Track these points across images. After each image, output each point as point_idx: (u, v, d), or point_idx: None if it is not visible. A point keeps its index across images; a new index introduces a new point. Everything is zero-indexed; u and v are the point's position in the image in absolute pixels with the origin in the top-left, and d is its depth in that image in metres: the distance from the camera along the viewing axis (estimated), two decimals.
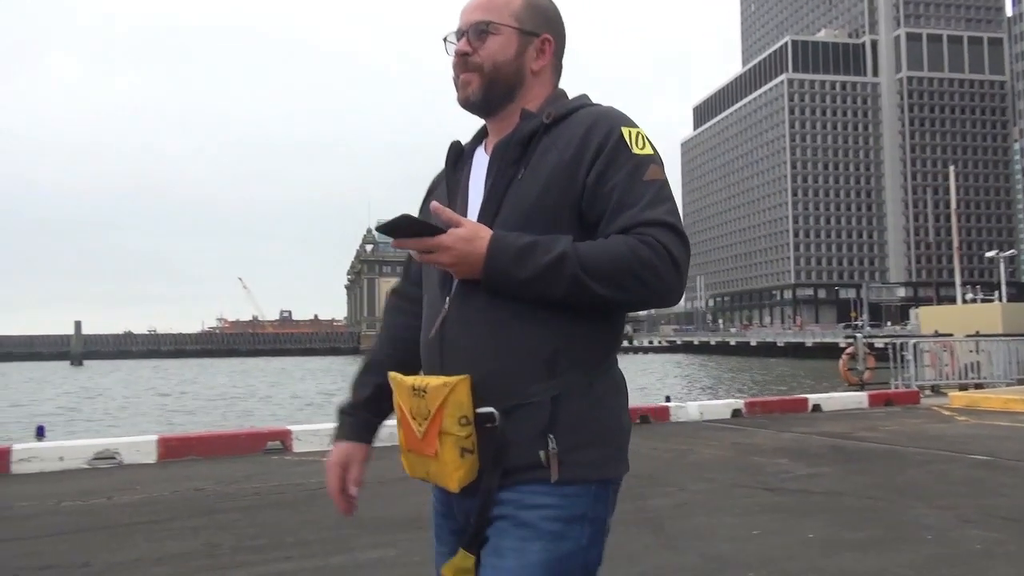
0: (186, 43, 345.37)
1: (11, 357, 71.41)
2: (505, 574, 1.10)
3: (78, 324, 73.05)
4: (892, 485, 5.09)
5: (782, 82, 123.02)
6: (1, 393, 30.16)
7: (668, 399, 9.87)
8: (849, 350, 13.91)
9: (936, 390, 11.80)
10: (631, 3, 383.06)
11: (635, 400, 15.05)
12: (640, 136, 1.19)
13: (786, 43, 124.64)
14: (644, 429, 8.01)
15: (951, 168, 46.44)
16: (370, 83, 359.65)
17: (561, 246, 1.10)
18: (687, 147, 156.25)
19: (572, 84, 1.31)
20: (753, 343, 61.33)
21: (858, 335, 16.16)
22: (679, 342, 77.32)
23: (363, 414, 1.33)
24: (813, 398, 9.77)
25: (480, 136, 1.33)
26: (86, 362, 65.27)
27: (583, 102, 1.26)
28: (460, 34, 1.26)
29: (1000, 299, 35.85)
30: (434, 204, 1.15)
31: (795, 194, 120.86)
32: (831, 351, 35.81)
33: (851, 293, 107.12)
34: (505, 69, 1.24)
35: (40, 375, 45.57)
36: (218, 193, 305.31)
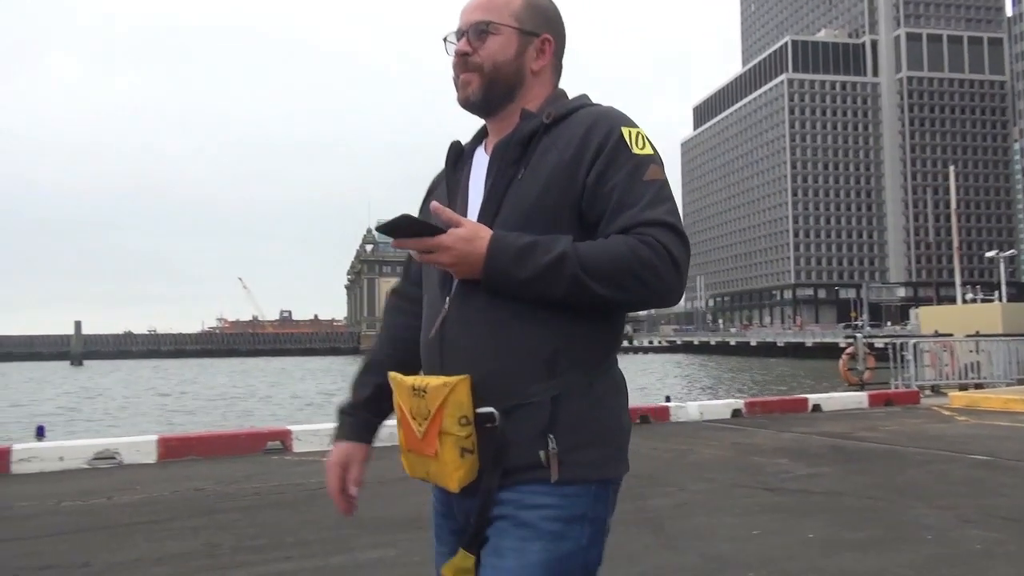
0: (186, 43, 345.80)
1: (11, 357, 71.41)
2: (505, 574, 1.10)
3: (78, 324, 73.06)
4: (892, 485, 5.09)
5: (782, 82, 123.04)
6: (1, 393, 30.16)
7: (668, 399, 9.87)
8: (849, 350, 13.92)
9: (936, 390, 11.80)
10: (631, 3, 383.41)
11: (635, 400, 15.05)
12: (640, 136, 1.19)
13: (786, 43, 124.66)
14: (644, 429, 8.01)
15: (951, 168, 46.45)
16: (370, 83, 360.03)
17: (561, 246, 1.10)
18: (687, 147, 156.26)
19: (573, 84, 1.31)
20: (753, 343, 61.34)
21: (858, 335, 16.17)
22: (679, 342, 77.33)
23: (363, 414, 1.33)
24: (813, 398, 9.77)
25: (480, 136, 1.33)
26: (86, 362, 65.26)
27: (583, 102, 1.26)
28: (460, 34, 1.26)
29: (1000, 299, 35.85)
30: (434, 204, 1.15)
31: (795, 194, 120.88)
32: (831, 351, 35.81)
33: (851, 293, 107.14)
34: (505, 69, 1.24)
35: (40, 375, 45.58)
36: (218, 193, 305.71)
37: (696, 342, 72.89)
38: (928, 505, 4.46)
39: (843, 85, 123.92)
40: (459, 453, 1.11)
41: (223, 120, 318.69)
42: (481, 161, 1.26)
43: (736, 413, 8.95)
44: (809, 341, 53.53)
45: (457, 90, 1.26)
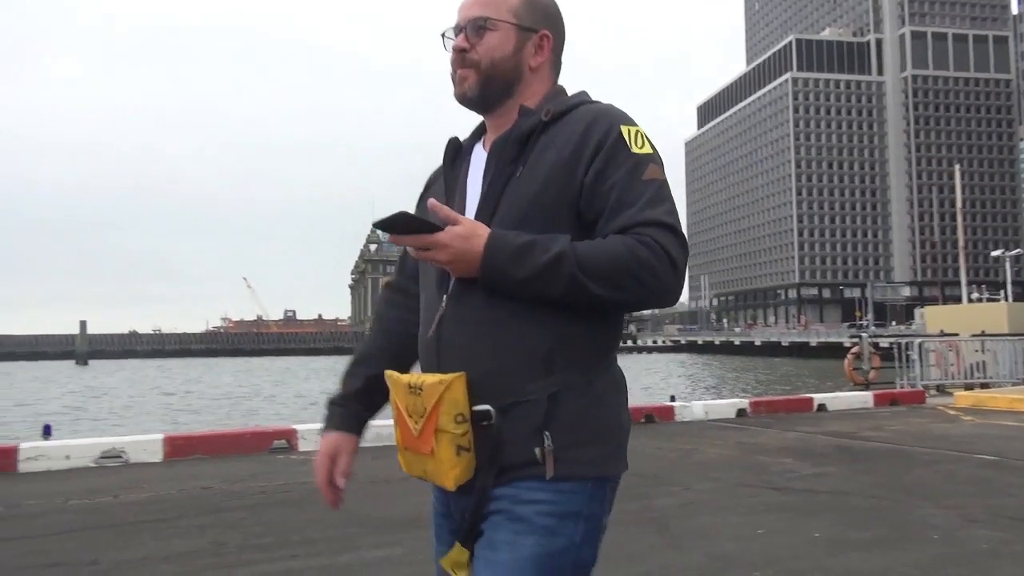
0: (186, 43, 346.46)
1: (16, 357, 71.61)
2: (497, 567, 1.10)
3: (83, 324, 73.29)
4: (898, 485, 5.08)
5: (786, 81, 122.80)
6: (7, 392, 30.27)
7: (673, 398, 9.87)
8: (854, 350, 13.90)
9: (941, 390, 11.77)
10: (635, 2, 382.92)
11: (640, 400, 15.07)
12: (639, 135, 1.18)
13: (790, 42, 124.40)
14: (649, 428, 8.01)
15: (956, 167, 46.22)
16: (371, 82, 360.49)
17: (559, 245, 1.10)
18: (691, 146, 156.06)
19: (575, 82, 1.30)
20: (757, 343, 61.24)
21: (863, 334, 16.14)
22: (683, 342, 77.25)
23: (354, 406, 1.32)
24: (818, 398, 9.75)
25: (479, 132, 1.32)
26: (91, 362, 65.46)
27: (582, 99, 1.25)
28: (458, 30, 1.25)
29: (1006, 298, 35.70)
30: (431, 201, 1.14)
31: (799, 193, 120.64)
32: (835, 351, 35.76)
33: (856, 292, 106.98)
34: (502, 65, 1.23)
35: (45, 374, 45.72)
36: (221, 193, 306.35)
37: (700, 342, 72.80)
38: (934, 505, 4.45)
39: (848, 84, 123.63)
40: (455, 451, 1.11)
41: (224, 120, 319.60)
42: (479, 158, 1.25)
43: (741, 413, 8.93)
44: (813, 341, 53.43)
45: (454, 86, 1.26)
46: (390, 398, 1.23)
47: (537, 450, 1.11)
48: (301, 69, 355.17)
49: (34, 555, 3.63)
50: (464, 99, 1.25)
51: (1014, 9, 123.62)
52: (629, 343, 78.34)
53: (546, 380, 1.13)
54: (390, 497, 4.55)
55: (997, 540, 3.69)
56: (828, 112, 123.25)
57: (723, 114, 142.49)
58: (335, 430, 1.31)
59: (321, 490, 1.28)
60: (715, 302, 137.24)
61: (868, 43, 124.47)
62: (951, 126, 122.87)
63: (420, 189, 1.39)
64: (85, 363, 64.28)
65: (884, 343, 15.79)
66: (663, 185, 1.16)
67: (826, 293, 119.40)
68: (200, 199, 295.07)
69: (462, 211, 1.21)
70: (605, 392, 1.18)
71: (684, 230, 1.18)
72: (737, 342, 65.36)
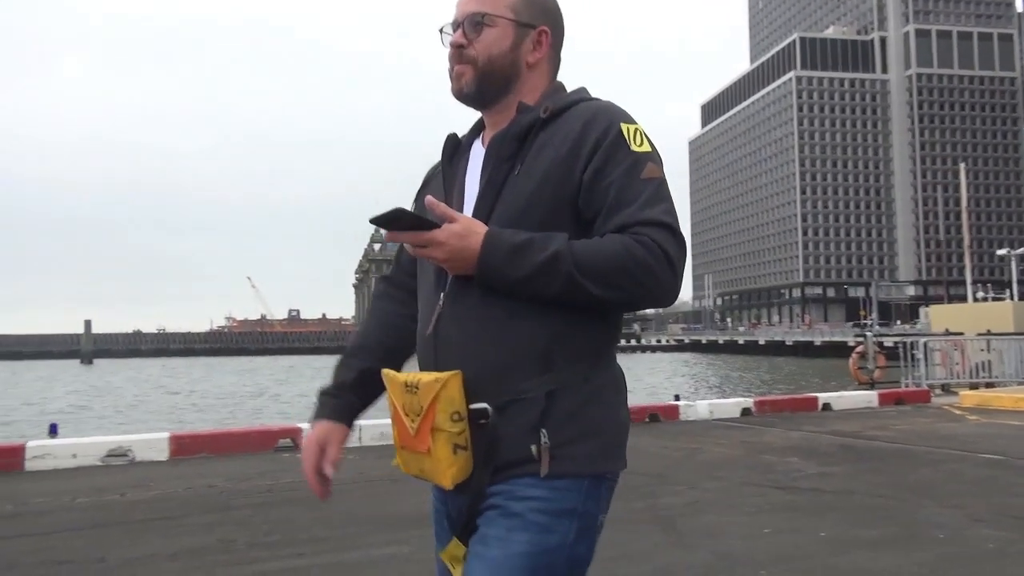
0: (188, 41, 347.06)
1: (22, 356, 71.85)
2: (489, 563, 1.10)
3: (88, 323, 73.48)
4: (904, 484, 5.07)
5: (790, 79, 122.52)
6: (13, 391, 30.38)
7: (677, 398, 9.87)
8: (859, 349, 13.89)
9: (947, 389, 11.75)
10: (639, 1, 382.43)
11: (644, 399, 15.05)
12: (638, 133, 1.18)
13: (794, 40, 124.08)
14: (654, 428, 8.02)
15: (961, 165, 46.00)
16: (373, 80, 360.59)
17: (556, 244, 1.09)
18: (695, 145, 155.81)
19: (576, 80, 1.28)
20: (761, 342, 61.10)
21: (868, 334, 16.11)
22: (687, 341, 77.10)
23: (348, 396, 1.30)
24: (823, 397, 9.75)
25: (477, 129, 1.31)
26: (96, 361, 65.67)
27: (581, 96, 1.24)
28: (456, 25, 1.25)
29: (1011, 297, 35.57)
30: (429, 198, 1.13)
31: (804, 192, 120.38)
32: (840, 350, 35.67)
33: (860, 292, 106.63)
34: (500, 62, 1.22)
35: (51, 373, 45.86)
36: (226, 192, 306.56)
37: (704, 341, 72.68)
38: (940, 504, 4.45)
39: (852, 82, 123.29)
40: (452, 449, 1.10)
41: (229, 118, 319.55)
42: (478, 155, 1.25)
43: (746, 412, 8.93)
44: (818, 340, 53.27)
45: (451, 82, 1.25)
46: (387, 397, 1.22)
47: (533, 447, 1.11)
48: (306, 67, 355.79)
49: (42, 553, 3.65)
50: (461, 95, 1.25)
51: (1019, 7, 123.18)
52: (633, 342, 78.28)
53: (544, 377, 1.12)
54: (397, 495, 4.56)
55: (1003, 540, 3.69)
56: (832, 111, 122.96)
57: (727, 113, 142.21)
58: (326, 419, 1.27)
59: (308, 480, 1.25)
60: (719, 301, 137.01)
61: (872, 41, 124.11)
62: (956, 124, 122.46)
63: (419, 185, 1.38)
64: (90, 362, 64.46)
65: (889, 342, 15.76)
66: (662, 184, 1.16)
67: (830, 292, 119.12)
68: (205, 199, 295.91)
69: (460, 208, 1.20)
70: (604, 390, 1.18)
71: (685, 229, 1.17)
72: (741, 341, 65.20)
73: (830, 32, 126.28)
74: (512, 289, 1.11)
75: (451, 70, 1.25)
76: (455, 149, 1.29)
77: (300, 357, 70.15)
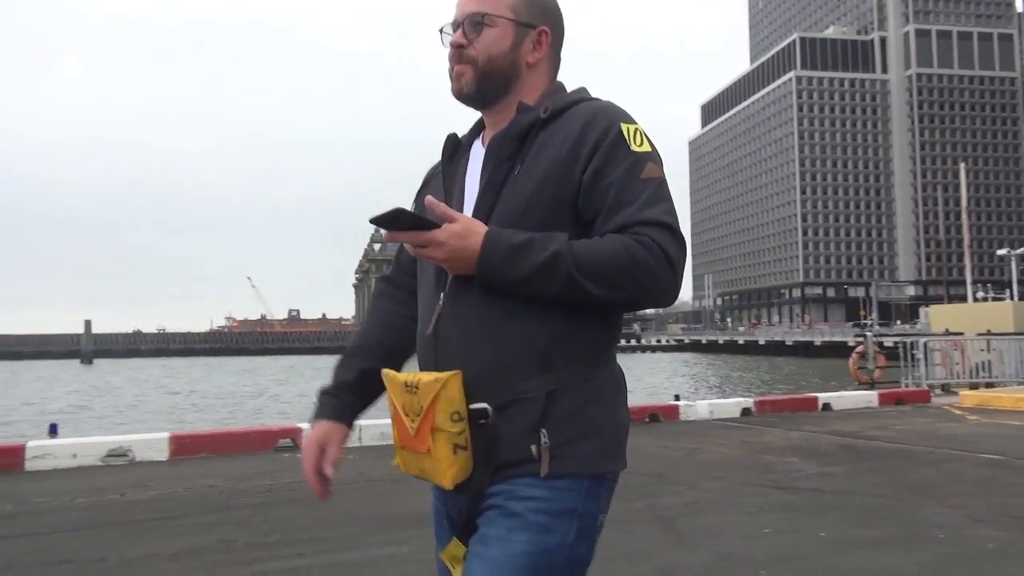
0: (196, 40, 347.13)
1: (22, 356, 71.87)
2: (488, 563, 1.09)
3: (88, 323, 73.49)
4: (904, 484, 5.08)
5: (790, 79, 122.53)
6: (13, 391, 30.38)
7: (677, 397, 9.87)
8: (859, 349, 13.89)
9: (947, 389, 11.75)
10: (639, 1, 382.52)
11: (644, 399, 15.05)
12: (638, 133, 1.17)
13: (794, 40, 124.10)
14: (654, 428, 8.02)
15: (961, 165, 45.93)
16: (375, 80, 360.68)
17: (555, 244, 1.09)
18: (695, 145, 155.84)
19: (576, 80, 1.28)
20: (761, 342, 61.10)
21: (868, 334, 16.12)
22: (687, 341, 77.11)
23: (348, 396, 1.30)
24: (823, 397, 9.75)
25: (478, 128, 1.31)
26: (96, 361, 65.69)
27: (582, 96, 1.24)
28: (456, 25, 1.25)
29: (1011, 297, 35.58)
30: (428, 198, 1.13)
31: (804, 192, 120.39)
32: (840, 350, 35.67)
33: (860, 292, 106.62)
34: (500, 62, 1.22)
35: (50, 373, 45.87)
36: (225, 192, 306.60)
37: (704, 341, 72.67)
38: (940, 504, 4.45)
39: (852, 82, 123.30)
40: (452, 449, 1.10)
41: (229, 118, 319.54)
42: (478, 155, 1.25)
43: (746, 412, 8.93)
44: (818, 340, 53.28)
45: (451, 82, 1.25)
46: (387, 397, 1.22)
47: (533, 447, 1.11)
48: (306, 67, 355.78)
49: (42, 552, 3.66)
50: (461, 95, 1.25)
51: (1019, 7, 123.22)
52: (633, 342, 78.28)
53: (544, 377, 1.12)
54: (397, 495, 4.56)
55: (1003, 540, 3.69)
56: (832, 111, 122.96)
57: (727, 113, 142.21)
58: (326, 419, 1.27)
59: (308, 480, 1.24)
60: (719, 301, 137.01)
61: (872, 41, 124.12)
62: (956, 124, 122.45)
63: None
64: (90, 362, 64.48)
65: (889, 342, 15.77)
66: (662, 184, 1.15)
67: (830, 292, 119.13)
68: (205, 199, 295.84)
69: (460, 208, 1.20)
70: (603, 390, 1.18)
71: (685, 229, 1.17)
72: (741, 341, 65.20)
73: (830, 32, 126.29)
74: (512, 289, 1.11)
75: (451, 70, 1.25)
76: (455, 149, 1.29)
77: (300, 357, 70.16)
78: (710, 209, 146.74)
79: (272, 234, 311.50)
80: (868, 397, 10.22)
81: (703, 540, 3.72)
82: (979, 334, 13.68)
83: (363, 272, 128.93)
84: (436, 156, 1.33)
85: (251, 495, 4.89)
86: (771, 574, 3.22)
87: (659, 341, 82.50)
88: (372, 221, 1.12)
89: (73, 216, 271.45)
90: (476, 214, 1.17)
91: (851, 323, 77.99)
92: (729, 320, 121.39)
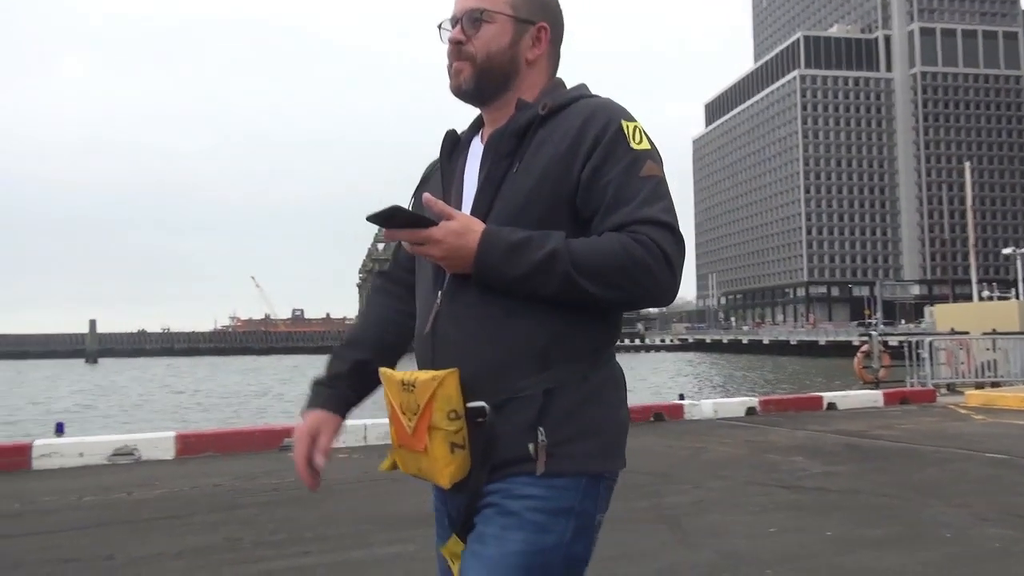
0: (196, 40, 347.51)
1: (28, 355, 72.16)
2: (484, 560, 1.09)
3: (93, 323, 73.74)
4: (909, 483, 5.07)
5: (794, 78, 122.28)
6: (19, 391, 30.50)
7: (682, 397, 9.87)
8: (864, 348, 13.84)
9: (952, 388, 11.73)
10: (639, 0, 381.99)
11: (649, 398, 15.04)
12: (638, 130, 1.17)
13: (798, 39, 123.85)
14: (659, 427, 8.01)
15: (966, 164, 45.84)
16: (380, 80, 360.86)
17: (553, 243, 1.09)
18: (699, 144, 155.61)
19: (576, 77, 1.27)
20: (766, 341, 61.00)
21: (873, 333, 16.08)
22: (691, 340, 77.04)
23: (342, 387, 1.28)
24: (828, 396, 9.73)
25: (477, 125, 1.30)
26: (101, 360, 65.91)
27: (581, 93, 1.23)
28: (454, 21, 1.24)
29: (1017, 297, 35.48)
30: (426, 196, 1.12)
31: (808, 191, 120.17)
32: (844, 349, 35.60)
33: (865, 291, 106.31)
34: (498, 58, 1.21)
35: (56, 372, 46.02)
36: (229, 191, 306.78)
37: (708, 340, 72.57)
38: (945, 503, 4.44)
39: (856, 81, 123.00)
40: (449, 448, 1.10)
41: (232, 118, 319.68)
42: (477, 151, 1.24)
43: (751, 411, 8.93)
44: (822, 339, 53.19)
45: (450, 78, 1.24)
46: (384, 396, 1.21)
47: (531, 445, 1.10)
48: (307, 67, 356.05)
49: (50, 551, 3.67)
50: (460, 92, 1.24)
51: (1023, 5, 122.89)
52: (637, 341, 78.24)
53: (542, 376, 1.12)
54: (401, 494, 4.57)
55: (1008, 539, 3.69)
56: (836, 109, 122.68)
57: (731, 112, 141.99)
58: (319, 408, 1.26)
59: (299, 469, 1.23)
60: (723, 300, 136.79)
61: (876, 39, 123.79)
62: (960, 123, 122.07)
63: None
64: (95, 361, 64.70)
65: (894, 342, 15.73)
66: (661, 182, 1.15)
67: (835, 291, 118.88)
68: (205, 199, 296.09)
69: (458, 205, 1.19)
70: (603, 389, 1.17)
71: (688, 228, 1.18)
72: (745, 341, 65.09)
73: (834, 31, 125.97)
74: (509, 287, 1.11)
75: (449, 66, 1.24)
76: (454, 145, 1.28)
77: (304, 356, 70.23)
78: (714, 208, 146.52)
79: (272, 234, 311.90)
80: (873, 396, 10.20)
81: (708, 539, 3.72)
82: (984, 333, 13.65)
83: (367, 272, 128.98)
84: (436, 155, 1.33)
85: (257, 494, 4.90)
86: (776, 573, 3.22)
87: (663, 340, 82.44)
88: (369, 219, 1.11)
89: (73, 216, 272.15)
90: (474, 211, 1.16)
91: (856, 322, 77.82)
92: (733, 319, 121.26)
